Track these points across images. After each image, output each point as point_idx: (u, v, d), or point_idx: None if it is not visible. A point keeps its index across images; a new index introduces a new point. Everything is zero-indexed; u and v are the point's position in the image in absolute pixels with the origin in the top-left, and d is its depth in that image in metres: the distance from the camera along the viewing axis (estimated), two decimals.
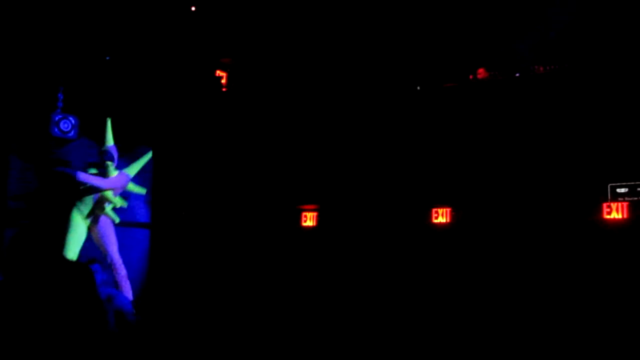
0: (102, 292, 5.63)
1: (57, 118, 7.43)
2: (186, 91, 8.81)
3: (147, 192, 8.38)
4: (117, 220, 7.68)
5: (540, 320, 6.69)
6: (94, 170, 7.50)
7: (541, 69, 7.58)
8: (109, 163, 7.41)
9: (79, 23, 7.94)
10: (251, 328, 7.39)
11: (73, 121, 7.47)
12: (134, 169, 7.79)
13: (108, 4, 8.13)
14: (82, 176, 7.40)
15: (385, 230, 7.89)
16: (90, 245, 7.48)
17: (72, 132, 7.48)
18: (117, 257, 7.43)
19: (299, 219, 8.44)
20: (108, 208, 7.46)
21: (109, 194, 7.45)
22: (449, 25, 8.16)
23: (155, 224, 8.46)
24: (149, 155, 7.93)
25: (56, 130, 7.40)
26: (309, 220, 8.42)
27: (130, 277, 8.03)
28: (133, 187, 7.79)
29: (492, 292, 7.06)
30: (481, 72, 8.05)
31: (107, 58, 7.96)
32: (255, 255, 8.41)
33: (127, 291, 7.26)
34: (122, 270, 7.40)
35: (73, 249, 7.18)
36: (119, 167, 7.66)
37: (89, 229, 7.46)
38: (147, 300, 8.07)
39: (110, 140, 7.44)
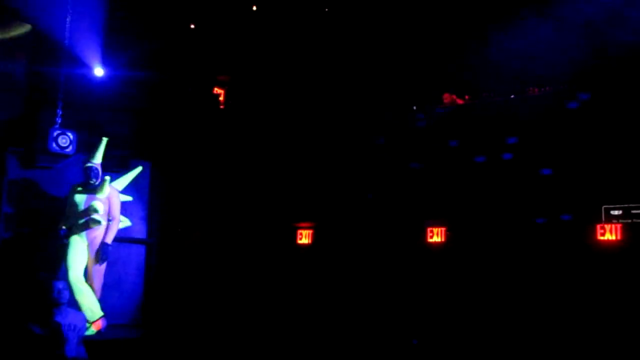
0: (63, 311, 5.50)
1: (55, 133, 7.43)
2: (184, 108, 8.87)
3: (144, 209, 8.38)
4: (129, 222, 7.64)
5: (535, 340, 6.73)
6: (79, 190, 7.33)
7: (536, 90, 7.68)
8: (107, 179, 7.36)
9: (77, 39, 7.99)
10: (247, 344, 7.38)
11: (71, 137, 7.48)
12: (122, 183, 7.69)
13: (107, 21, 8.20)
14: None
15: (380, 248, 7.94)
16: None
17: (70, 148, 7.48)
18: (97, 282, 7.22)
19: (294, 237, 8.47)
20: (96, 219, 7.30)
21: (96, 206, 7.32)
22: (443, 48, 8.26)
23: (151, 240, 8.46)
24: (138, 169, 7.81)
25: (54, 145, 7.39)
26: (304, 238, 8.45)
27: (126, 293, 8.03)
28: (122, 197, 7.70)
29: (486, 311, 7.09)
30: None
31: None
32: (251, 272, 8.43)
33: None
34: (97, 293, 7.22)
35: (77, 269, 7.09)
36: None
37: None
38: (143, 315, 8.05)
39: (99, 159, 7.40)
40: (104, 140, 7.37)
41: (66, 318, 5.39)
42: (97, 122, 7.98)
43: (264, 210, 8.67)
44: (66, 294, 5.49)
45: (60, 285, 5.49)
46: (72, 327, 5.38)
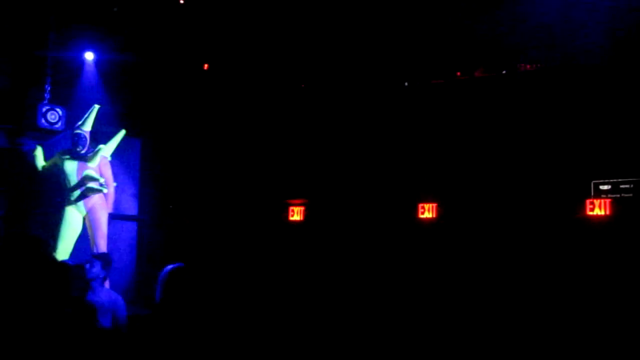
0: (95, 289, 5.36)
1: (44, 109, 7.37)
2: (175, 84, 8.81)
3: (135, 185, 8.36)
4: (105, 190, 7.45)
5: (524, 315, 6.77)
6: (67, 158, 7.23)
7: (527, 66, 7.65)
8: (101, 147, 7.30)
9: (67, 14, 7.91)
10: (237, 321, 7.41)
11: (60, 112, 7.42)
12: (109, 149, 7.54)
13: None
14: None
15: (372, 225, 7.94)
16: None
17: (60, 124, 7.43)
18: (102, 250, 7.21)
19: (286, 214, 8.47)
20: (94, 187, 7.18)
21: (92, 174, 7.22)
22: (436, 23, 8.20)
23: (143, 216, 8.45)
24: (122, 133, 7.62)
25: (43, 121, 7.34)
26: (296, 214, 8.45)
27: (118, 270, 8.00)
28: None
29: (477, 286, 7.13)
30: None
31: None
32: (243, 248, 8.43)
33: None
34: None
35: (65, 243, 7.05)
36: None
37: (84, 220, 7.23)
38: (137, 293, 8.07)
39: (89, 126, 7.29)
40: (96, 107, 7.31)
41: (98, 296, 5.24)
42: (87, 99, 7.91)
43: (255, 186, 8.66)
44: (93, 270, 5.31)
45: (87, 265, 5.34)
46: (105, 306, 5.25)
